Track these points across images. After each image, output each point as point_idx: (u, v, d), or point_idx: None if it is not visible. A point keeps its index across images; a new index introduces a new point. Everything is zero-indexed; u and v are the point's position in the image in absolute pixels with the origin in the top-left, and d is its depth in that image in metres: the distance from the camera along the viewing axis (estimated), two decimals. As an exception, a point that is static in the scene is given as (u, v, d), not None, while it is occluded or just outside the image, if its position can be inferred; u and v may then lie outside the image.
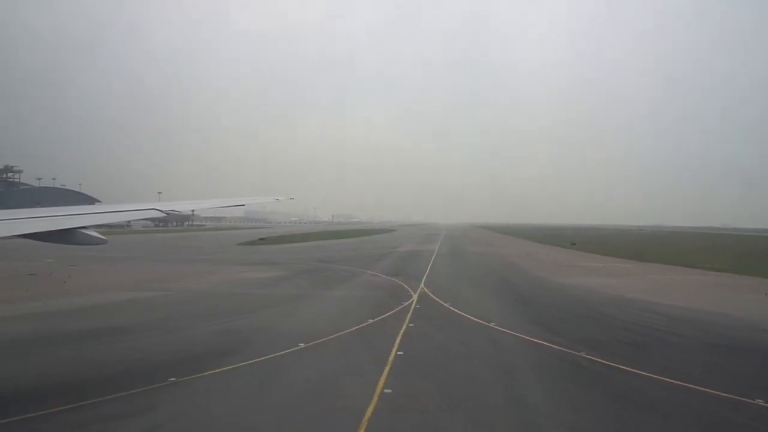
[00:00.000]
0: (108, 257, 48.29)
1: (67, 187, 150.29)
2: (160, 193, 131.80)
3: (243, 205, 17.78)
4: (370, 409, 10.18)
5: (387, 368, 12.93)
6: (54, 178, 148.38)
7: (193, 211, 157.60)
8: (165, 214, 12.58)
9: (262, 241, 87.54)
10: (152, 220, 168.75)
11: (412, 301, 23.43)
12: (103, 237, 11.16)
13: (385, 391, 11.23)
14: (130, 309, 21.65)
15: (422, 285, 29.08)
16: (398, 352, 14.42)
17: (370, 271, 37.68)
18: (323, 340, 16.00)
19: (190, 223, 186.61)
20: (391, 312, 20.69)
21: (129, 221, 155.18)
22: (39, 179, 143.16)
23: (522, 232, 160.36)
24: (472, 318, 19.81)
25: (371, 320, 19.00)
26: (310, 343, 15.43)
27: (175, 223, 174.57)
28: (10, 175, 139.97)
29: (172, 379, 11.86)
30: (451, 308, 21.79)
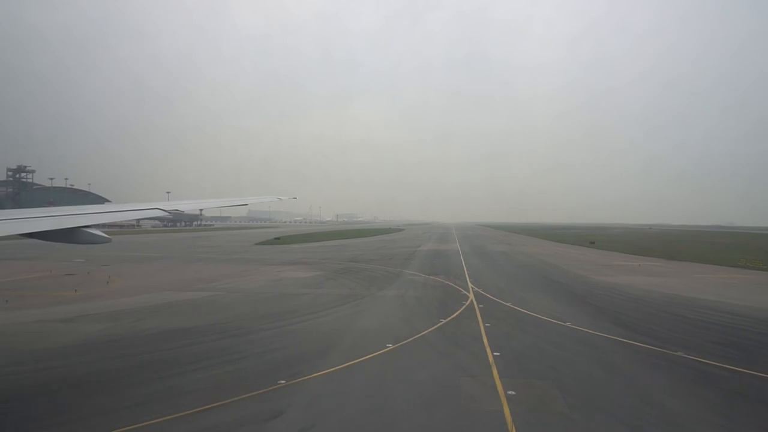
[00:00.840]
0: (132, 257, 48.16)
1: (76, 187, 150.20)
2: (168, 192, 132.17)
3: (246, 204, 17.55)
4: (506, 411, 9.99)
5: (494, 369, 12.72)
6: (66, 179, 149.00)
7: (201, 210, 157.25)
8: (168, 214, 12.62)
9: (278, 240, 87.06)
10: (160, 219, 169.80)
11: (471, 300, 23.29)
12: (107, 236, 11.27)
13: (509, 392, 11.01)
14: (196, 309, 21.39)
15: (470, 284, 28.88)
16: (494, 353, 14.18)
17: (407, 270, 37.45)
18: (410, 340, 15.79)
19: (198, 222, 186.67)
20: (458, 312, 20.51)
21: (138, 221, 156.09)
22: (51, 179, 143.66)
23: (531, 231, 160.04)
24: (545, 317, 19.57)
25: (443, 320, 18.77)
26: (399, 344, 15.23)
27: (183, 223, 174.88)
28: (23, 175, 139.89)
29: (282, 381, 11.66)
30: (516, 307, 21.56)
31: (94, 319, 19.06)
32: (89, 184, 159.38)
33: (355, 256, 51.73)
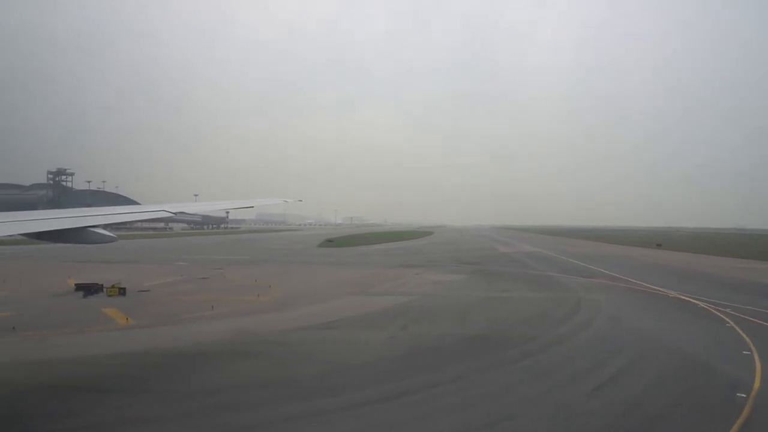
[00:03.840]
0: (219, 260, 46.61)
1: (107, 190, 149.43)
2: (196, 195, 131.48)
3: (252, 207, 17.66)
4: None
5: None
6: (104, 181, 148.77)
7: (227, 213, 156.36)
8: (174, 215, 12.51)
9: (333, 243, 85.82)
10: (188, 222, 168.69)
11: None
12: (113, 235, 11.50)
13: None
14: (435, 315, 20.25)
15: (635, 281, 27.65)
16: None
17: (543, 272, 36.24)
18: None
19: (225, 225, 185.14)
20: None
21: (167, 224, 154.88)
22: (89, 182, 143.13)
23: (559, 233, 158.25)
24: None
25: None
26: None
27: (212, 226, 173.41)
28: (63, 177, 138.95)
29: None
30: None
31: (354, 326, 17.90)
32: (116, 186, 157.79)
33: (456, 257, 50.68)
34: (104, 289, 25.08)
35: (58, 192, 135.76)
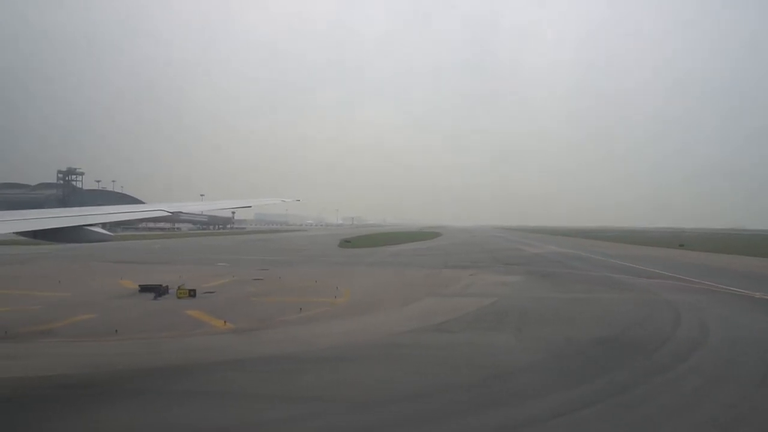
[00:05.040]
0: (251, 260, 45.68)
1: (116, 191, 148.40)
2: (202, 195, 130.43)
3: (250, 206, 17.54)
4: None
5: None
6: (113, 181, 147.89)
7: (233, 213, 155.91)
8: (171, 215, 12.75)
9: (349, 243, 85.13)
10: (194, 223, 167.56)
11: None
12: (110, 233, 11.66)
13: None
14: (522, 316, 19.46)
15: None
16: None
17: (595, 272, 35.71)
18: None
19: (231, 225, 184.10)
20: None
21: (174, 224, 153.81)
22: (98, 181, 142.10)
23: (578, 234, 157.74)
24: None
25: None
26: None
27: (219, 226, 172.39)
28: (73, 177, 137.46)
29: None
30: None
31: (466, 329, 17.24)
32: (122, 187, 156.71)
33: (495, 258, 50.04)
34: (169, 291, 24.41)
35: (68, 192, 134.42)
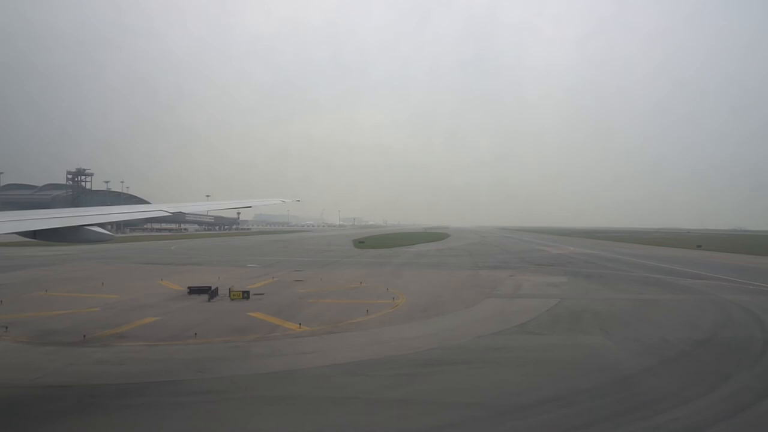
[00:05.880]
0: (282, 261, 45.13)
1: (114, 190, 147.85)
2: (208, 196, 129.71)
3: (250, 207, 17.30)
4: None
5: None
6: (122, 181, 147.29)
7: (238, 214, 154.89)
8: (171, 215, 12.70)
9: (363, 244, 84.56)
10: (200, 223, 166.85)
11: None
12: (110, 233, 11.39)
13: None
14: (596, 317, 19.06)
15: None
16: None
17: (636, 273, 35.29)
18: None
19: (237, 226, 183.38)
20: None
21: (180, 225, 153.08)
22: (107, 182, 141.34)
23: (585, 234, 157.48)
24: None
25: None
26: None
27: (225, 227, 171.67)
28: (82, 178, 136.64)
29: None
30: None
31: (550, 330, 16.86)
32: (128, 187, 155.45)
33: (510, 259, 49.68)
34: (218, 293, 23.98)
35: (78, 192, 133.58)
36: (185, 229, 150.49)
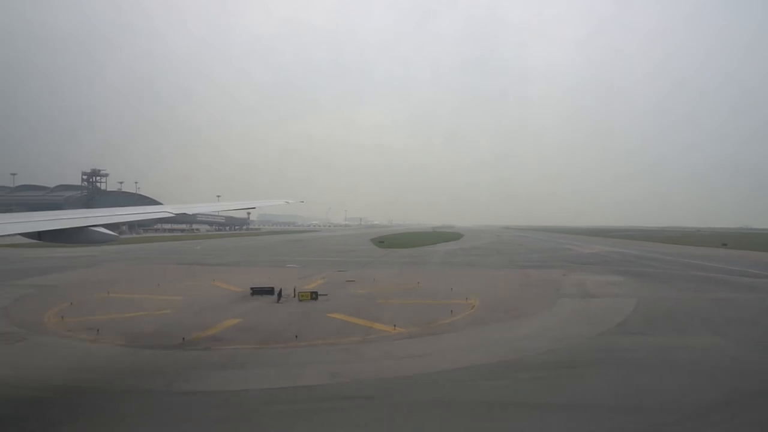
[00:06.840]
0: (312, 261, 44.59)
1: (127, 191, 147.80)
2: (218, 196, 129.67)
3: (254, 208, 17.27)
4: None
5: None
6: (136, 182, 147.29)
7: (248, 214, 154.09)
8: (174, 216, 12.68)
9: (383, 243, 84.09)
10: (210, 224, 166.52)
11: None
12: (114, 234, 11.53)
13: None
14: (688, 317, 18.57)
15: None
16: None
17: (683, 272, 34.81)
18: None
19: (247, 227, 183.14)
20: None
21: (191, 225, 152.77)
22: (121, 183, 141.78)
23: (597, 233, 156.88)
24: None
25: None
26: None
27: (236, 227, 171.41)
28: (97, 178, 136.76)
29: None
30: None
31: (652, 331, 16.46)
32: (139, 188, 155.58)
33: (545, 258, 49.24)
34: (282, 293, 23.51)
35: (93, 193, 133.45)
36: (197, 229, 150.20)
